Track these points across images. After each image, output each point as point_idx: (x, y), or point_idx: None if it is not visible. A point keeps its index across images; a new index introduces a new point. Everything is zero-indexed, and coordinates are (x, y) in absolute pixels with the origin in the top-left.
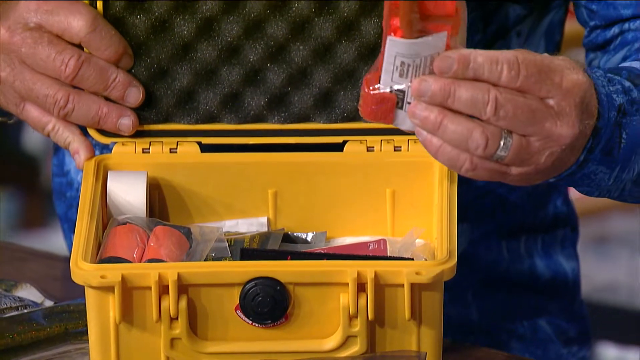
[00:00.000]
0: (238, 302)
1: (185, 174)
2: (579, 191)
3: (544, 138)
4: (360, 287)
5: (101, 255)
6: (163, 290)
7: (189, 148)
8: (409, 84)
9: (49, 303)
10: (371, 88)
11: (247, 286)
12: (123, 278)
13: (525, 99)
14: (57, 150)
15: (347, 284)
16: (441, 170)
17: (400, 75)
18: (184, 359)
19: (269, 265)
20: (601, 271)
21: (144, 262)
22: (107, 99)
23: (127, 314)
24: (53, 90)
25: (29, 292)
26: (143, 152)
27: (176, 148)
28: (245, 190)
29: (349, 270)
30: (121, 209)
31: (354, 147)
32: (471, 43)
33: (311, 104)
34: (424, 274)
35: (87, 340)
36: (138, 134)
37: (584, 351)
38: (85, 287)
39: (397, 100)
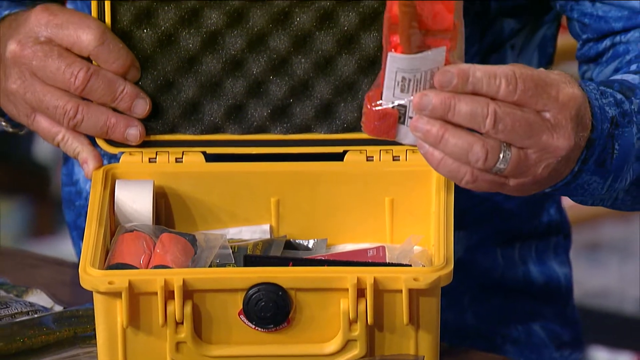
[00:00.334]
0: (241, 307)
1: (191, 183)
2: (573, 200)
3: (540, 150)
4: (360, 293)
5: (109, 262)
6: (169, 295)
7: (194, 158)
8: (410, 98)
9: (58, 308)
10: (373, 104)
11: (250, 292)
12: (130, 284)
13: (523, 113)
14: (67, 160)
15: (347, 290)
16: (438, 180)
17: (402, 91)
18: None
19: (272, 271)
20: (593, 277)
21: (151, 268)
22: (115, 110)
23: (134, 318)
24: (63, 101)
25: (39, 298)
26: (150, 161)
27: (182, 158)
28: (249, 198)
29: (349, 276)
30: (128, 217)
31: (354, 156)
32: (467, 56)
33: (312, 115)
34: (421, 280)
35: (95, 344)
36: (145, 144)
37: (576, 355)
38: (94, 293)
39: (399, 115)
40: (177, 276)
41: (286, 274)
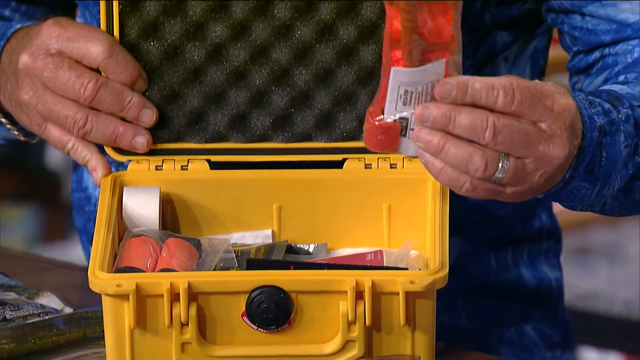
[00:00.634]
0: (244, 309)
1: (196, 189)
2: (563, 206)
3: (537, 160)
4: (359, 295)
5: (117, 265)
6: (174, 298)
7: (199, 165)
8: (412, 111)
9: (68, 310)
10: (376, 119)
11: (253, 294)
12: (137, 287)
13: (520, 124)
14: (76, 167)
15: (346, 292)
16: (434, 187)
17: (404, 104)
18: None
19: (274, 274)
20: (583, 280)
21: (157, 271)
22: (123, 119)
23: (141, 320)
24: (73, 111)
25: (50, 300)
26: (156, 169)
27: (187, 165)
28: (251, 204)
29: (347, 279)
30: (136, 222)
31: (353, 164)
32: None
33: (313, 124)
34: (417, 283)
35: (104, 345)
36: (151, 152)
37: (567, 355)
38: (102, 295)
39: (401, 128)
40: (182, 279)
41: (287, 277)
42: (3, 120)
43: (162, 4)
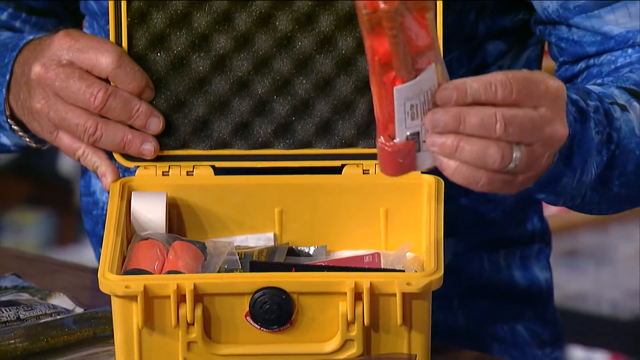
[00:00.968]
0: (248, 309)
1: (201, 194)
2: (546, 201)
3: (545, 143)
4: (357, 296)
5: (125, 268)
6: (181, 299)
7: (204, 171)
8: (421, 123)
9: (79, 310)
10: (390, 145)
11: (256, 295)
12: (145, 288)
13: (524, 112)
14: (84, 172)
15: (345, 293)
16: (429, 191)
17: (412, 119)
18: None
19: (276, 276)
20: (571, 281)
21: (164, 273)
22: (131, 127)
23: (149, 320)
24: (83, 119)
25: (61, 300)
26: (163, 174)
27: (192, 171)
28: (254, 208)
29: (346, 280)
30: (143, 226)
31: (352, 170)
32: (456, 76)
33: (313, 131)
34: (414, 284)
35: (113, 343)
36: (158, 159)
37: (556, 353)
38: (112, 296)
39: (415, 144)
40: (188, 281)
41: (289, 278)
42: (15, 127)
43: (169, 17)
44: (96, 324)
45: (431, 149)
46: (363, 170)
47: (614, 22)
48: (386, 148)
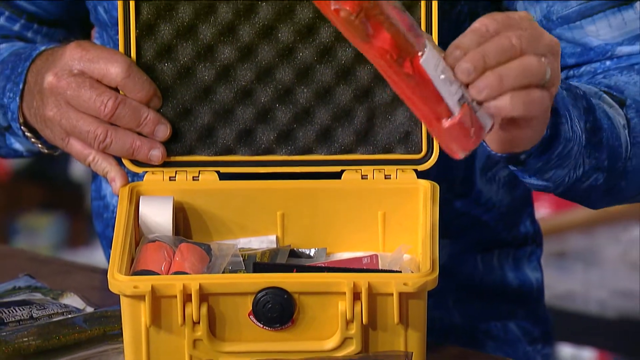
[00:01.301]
0: (251, 308)
1: (206, 198)
2: (540, 187)
3: (549, 51)
4: (356, 296)
5: (134, 269)
6: (187, 298)
7: (209, 176)
8: (458, 84)
9: (89, 309)
10: (453, 119)
11: (259, 295)
12: (153, 288)
13: (520, 30)
14: (95, 177)
15: (345, 293)
16: (425, 195)
17: (450, 84)
18: (205, 358)
19: (278, 277)
20: (560, 282)
21: (171, 274)
22: (139, 134)
23: (156, 318)
24: (94, 127)
25: (72, 300)
26: (170, 180)
27: (198, 176)
28: (257, 212)
29: (346, 281)
30: (151, 229)
31: (350, 175)
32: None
33: (313, 138)
34: (410, 285)
35: (122, 341)
36: (166, 164)
37: (546, 349)
38: (121, 296)
39: (470, 107)
40: (194, 281)
41: (290, 279)
42: (28, 134)
43: (176, 28)
44: (106, 323)
45: (479, 97)
46: (361, 176)
47: (595, 33)
48: (452, 123)
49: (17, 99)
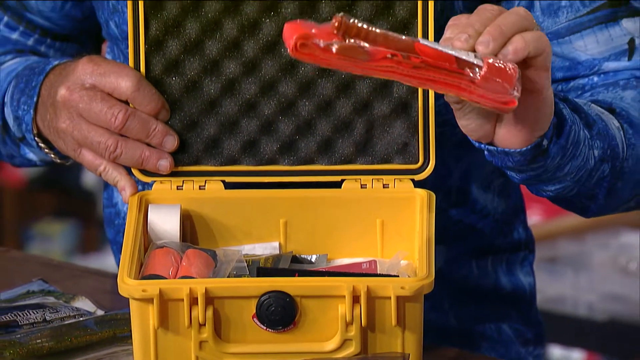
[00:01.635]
0: (255, 311)
1: (212, 207)
2: (556, 192)
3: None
4: (355, 299)
5: (143, 273)
6: (193, 301)
7: (214, 185)
8: (456, 51)
9: (100, 312)
10: (483, 72)
11: (262, 298)
12: (160, 292)
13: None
14: (107, 186)
15: (344, 297)
16: (422, 204)
17: (459, 52)
18: (211, 359)
19: (280, 281)
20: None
21: (178, 278)
22: (148, 145)
23: (164, 321)
24: (105, 138)
25: (84, 303)
26: (177, 189)
27: (204, 185)
28: (261, 220)
29: (345, 285)
30: (159, 235)
31: (350, 184)
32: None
33: (315, 149)
34: (407, 288)
35: (131, 343)
36: (173, 174)
37: (538, 350)
38: (130, 299)
39: (485, 59)
40: (200, 285)
41: (293, 283)
42: (42, 145)
43: (183, 44)
44: (116, 325)
45: (488, 49)
46: (361, 185)
47: (583, 48)
48: (484, 71)
49: (32, 111)
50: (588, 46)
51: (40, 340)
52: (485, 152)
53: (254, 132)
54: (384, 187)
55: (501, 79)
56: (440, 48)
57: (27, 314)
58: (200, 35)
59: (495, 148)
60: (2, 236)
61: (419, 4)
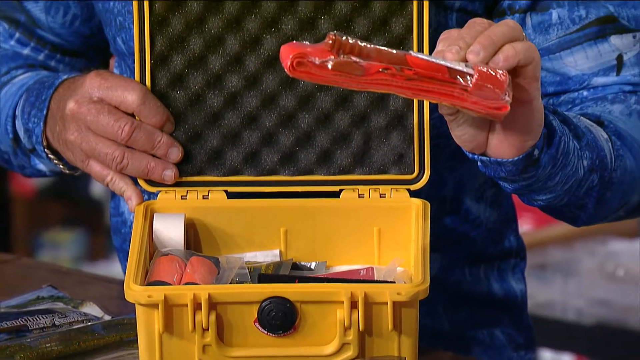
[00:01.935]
0: (256, 316)
1: (215, 215)
2: (546, 202)
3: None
4: (353, 305)
5: (148, 280)
6: (197, 307)
7: (217, 195)
8: (454, 62)
9: (107, 317)
10: (474, 80)
11: (264, 304)
12: (165, 297)
13: (489, 28)
14: (114, 195)
15: (343, 302)
16: (417, 213)
17: (451, 62)
18: None
19: (281, 287)
20: (542, 291)
21: (182, 285)
22: (154, 156)
23: (169, 326)
24: (112, 149)
25: (92, 309)
26: (181, 198)
27: (208, 195)
28: (262, 228)
29: (344, 291)
30: (164, 243)
31: (348, 194)
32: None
33: (314, 160)
34: (403, 294)
35: (137, 347)
36: (178, 184)
37: (529, 355)
38: (136, 305)
39: (476, 67)
40: (203, 291)
41: (293, 289)
42: (51, 156)
43: (187, 59)
44: (122, 330)
45: (478, 58)
46: (358, 195)
47: (573, 63)
48: (475, 79)
49: (41, 124)
50: (578, 62)
51: (49, 345)
52: (479, 163)
53: (256, 144)
54: (380, 196)
55: (492, 85)
56: (431, 59)
57: (37, 319)
58: (204, 50)
59: (488, 158)
60: (13, 244)
61: (414, 20)
